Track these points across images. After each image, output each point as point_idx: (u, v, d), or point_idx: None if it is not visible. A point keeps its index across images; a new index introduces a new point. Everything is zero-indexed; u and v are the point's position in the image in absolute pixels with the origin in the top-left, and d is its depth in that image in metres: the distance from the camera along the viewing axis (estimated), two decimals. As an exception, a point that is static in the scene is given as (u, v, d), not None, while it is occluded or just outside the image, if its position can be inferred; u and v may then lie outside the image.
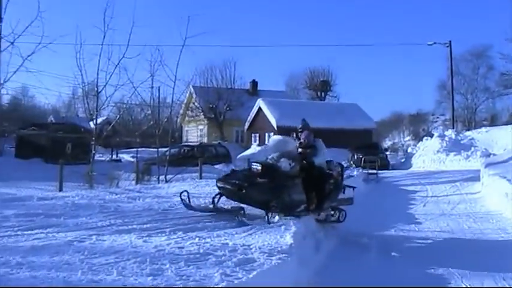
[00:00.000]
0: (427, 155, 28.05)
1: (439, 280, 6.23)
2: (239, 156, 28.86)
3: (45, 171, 19.70)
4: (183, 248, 5.34)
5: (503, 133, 27.45)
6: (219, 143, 35.29)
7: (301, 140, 8.70)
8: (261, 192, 7.48)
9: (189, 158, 25.21)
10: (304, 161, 8.27)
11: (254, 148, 31.74)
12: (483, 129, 32.33)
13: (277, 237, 6.09)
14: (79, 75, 15.85)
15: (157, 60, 17.47)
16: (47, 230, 6.20)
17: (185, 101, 42.27)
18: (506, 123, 36.76)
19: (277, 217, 7.49)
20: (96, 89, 16.13)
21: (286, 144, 8.43)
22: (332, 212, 8.82)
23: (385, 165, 27.41)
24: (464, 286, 5.94)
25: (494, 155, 23.32)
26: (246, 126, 38.05)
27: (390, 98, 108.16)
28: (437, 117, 67.67)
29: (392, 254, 7.72)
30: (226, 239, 5.94)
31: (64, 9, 60.23)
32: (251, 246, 5.49)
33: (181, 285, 4.04)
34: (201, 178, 16.36)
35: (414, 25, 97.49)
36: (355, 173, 19.09)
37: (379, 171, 21.80)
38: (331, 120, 33.60)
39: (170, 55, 29.75)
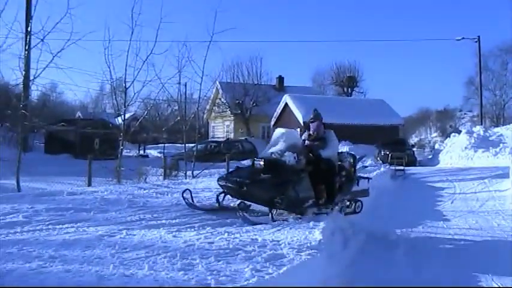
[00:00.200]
0: (455, 151, 27.61)
1: (469, 279, 6.08)
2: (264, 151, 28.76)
3: (74, 166, 20.08)
4: (212, 243, 5.34)
5: (533, 129, 26.88)
6: (246, 138, 35.33)
7: (310, 132, 8.35)
8: (263, 188, 7.18)
9: (216, 154, 25.44)
10: (311, 154, 7.90)
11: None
12: (512, 125, 31.68)
13: (305, 233, 6.03)
14: (107, 71, 15.93)
15: (185, 56, 17.62)
16: (77, 225, 6.28)
17: (212, 97, 42.42)
18: (536, 119, 36.06)
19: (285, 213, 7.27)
20: (124, 85, 16.24)
21: (291, 137, 8.00)
22: (348, 203, 8.40)
23: (412, 162, 27.11)
24: (496, 286, 5.80)
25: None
26: (273, 122, 37.92)
27: (417, 94, 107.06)
28: (465, 114, 66.88)
29: (421, 250, 7.59)
30: (255, 235, 5.91)
31: (93, 5, 60.84)
32: (280, 242, 5.45)
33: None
34: (228, 174, 16.35)
35: (442, 20, 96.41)
36: (382, 169, 18.89)
37: (406, 168, 21.56)
38: (357, 116, 33.39)
39: (197, 51, 29.75)
